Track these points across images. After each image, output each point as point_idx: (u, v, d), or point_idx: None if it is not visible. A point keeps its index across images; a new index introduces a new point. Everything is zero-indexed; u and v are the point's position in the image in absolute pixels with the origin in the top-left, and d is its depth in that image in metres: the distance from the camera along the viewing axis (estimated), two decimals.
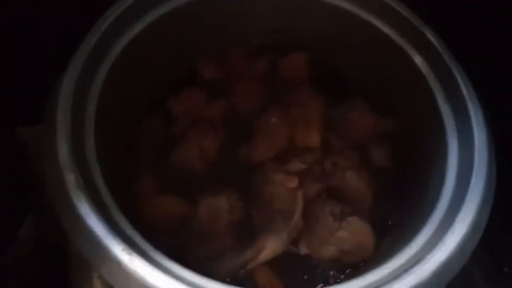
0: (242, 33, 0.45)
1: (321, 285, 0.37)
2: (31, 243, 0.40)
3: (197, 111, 0.43)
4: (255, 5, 0.44)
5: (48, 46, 0.42)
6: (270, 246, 0.36)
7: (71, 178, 0.30)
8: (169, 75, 0.43)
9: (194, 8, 0.41)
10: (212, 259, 0.37)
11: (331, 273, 0.38)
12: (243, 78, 0.45)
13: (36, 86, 0.36)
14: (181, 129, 0.42)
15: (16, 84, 0.42)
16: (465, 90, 0.37)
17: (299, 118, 0.43)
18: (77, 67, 0.34)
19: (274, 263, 0.37)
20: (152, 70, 0.41)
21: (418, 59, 0.39)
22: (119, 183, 0.34)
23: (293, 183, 0.40)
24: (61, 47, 0.35)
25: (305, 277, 0.38)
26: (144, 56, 0.40)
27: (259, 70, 0.46)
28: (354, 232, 0.38)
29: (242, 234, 0.38)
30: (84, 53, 0.35)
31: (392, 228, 0.39)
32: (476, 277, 0.46)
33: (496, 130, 0.36)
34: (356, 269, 0.38)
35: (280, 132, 0.42)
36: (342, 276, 0.38)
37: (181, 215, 0.38)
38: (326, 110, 0.44)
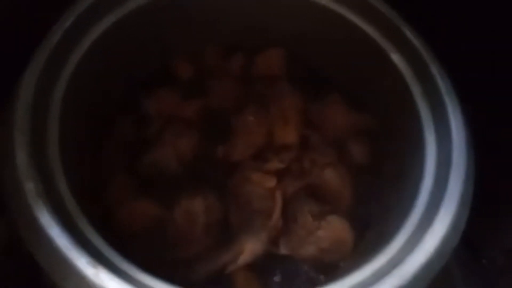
0: (217, 30, 0.44)
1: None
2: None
3: (172, 111, 0.41)
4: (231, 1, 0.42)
5: (10, 42, 0.39)
6: (249, 249, 0.35)
7: (30, 187, 0.27)
8: (142, 74, 0.41)
9: (167, 4, 0.39)
10: (189, 263, 0.35)
11: (311, 274, 0.37)
12: (218, 76, 0.44)
13: None
14: (156, 129, 0.40)
15: None
16: (443, 85, 0.36)
17: (276, 115, 0.42)
18: (38, 65, 0.32)
19: (253, 264, 0.36)
20: (123, 68, 0.39)
21: (395, 56, 0.38)
22: (87, 189, 0.32)
23: (271, 182, 0.39)
24: (25, 44, 0.32)
25: (285, 278, 0.37)
26: (114, 54, 0.37)
27: (235, 67, 0.45)
28: (333, 230, 0.38)
29: (220, 236, 0.37)
30: (47, 51, 0.32)
31: (370, 225, 0.39)
32: (453, 271, 0.45)
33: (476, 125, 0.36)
34: (336, 269, 0.37)
35: (257, 130, 0.41)
36: (322, 277, 0.37)
37: (157, 219, 0.37)
38: (303, 107, 0.43)
